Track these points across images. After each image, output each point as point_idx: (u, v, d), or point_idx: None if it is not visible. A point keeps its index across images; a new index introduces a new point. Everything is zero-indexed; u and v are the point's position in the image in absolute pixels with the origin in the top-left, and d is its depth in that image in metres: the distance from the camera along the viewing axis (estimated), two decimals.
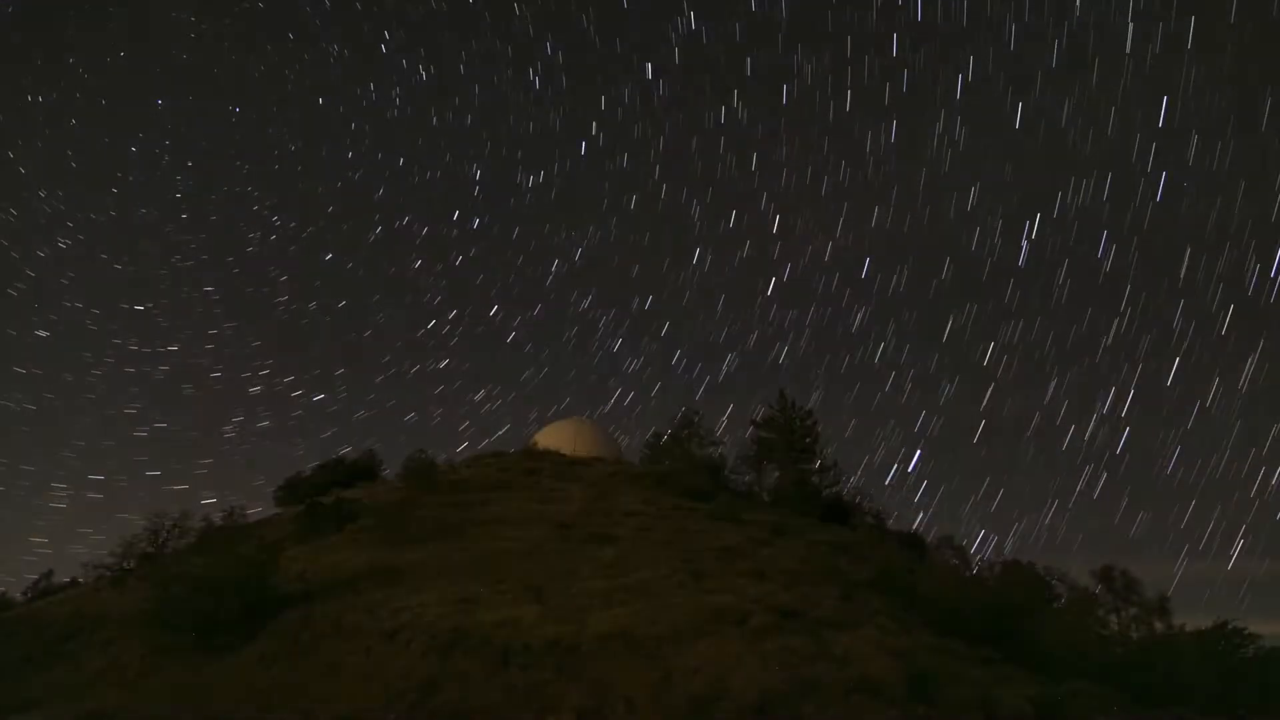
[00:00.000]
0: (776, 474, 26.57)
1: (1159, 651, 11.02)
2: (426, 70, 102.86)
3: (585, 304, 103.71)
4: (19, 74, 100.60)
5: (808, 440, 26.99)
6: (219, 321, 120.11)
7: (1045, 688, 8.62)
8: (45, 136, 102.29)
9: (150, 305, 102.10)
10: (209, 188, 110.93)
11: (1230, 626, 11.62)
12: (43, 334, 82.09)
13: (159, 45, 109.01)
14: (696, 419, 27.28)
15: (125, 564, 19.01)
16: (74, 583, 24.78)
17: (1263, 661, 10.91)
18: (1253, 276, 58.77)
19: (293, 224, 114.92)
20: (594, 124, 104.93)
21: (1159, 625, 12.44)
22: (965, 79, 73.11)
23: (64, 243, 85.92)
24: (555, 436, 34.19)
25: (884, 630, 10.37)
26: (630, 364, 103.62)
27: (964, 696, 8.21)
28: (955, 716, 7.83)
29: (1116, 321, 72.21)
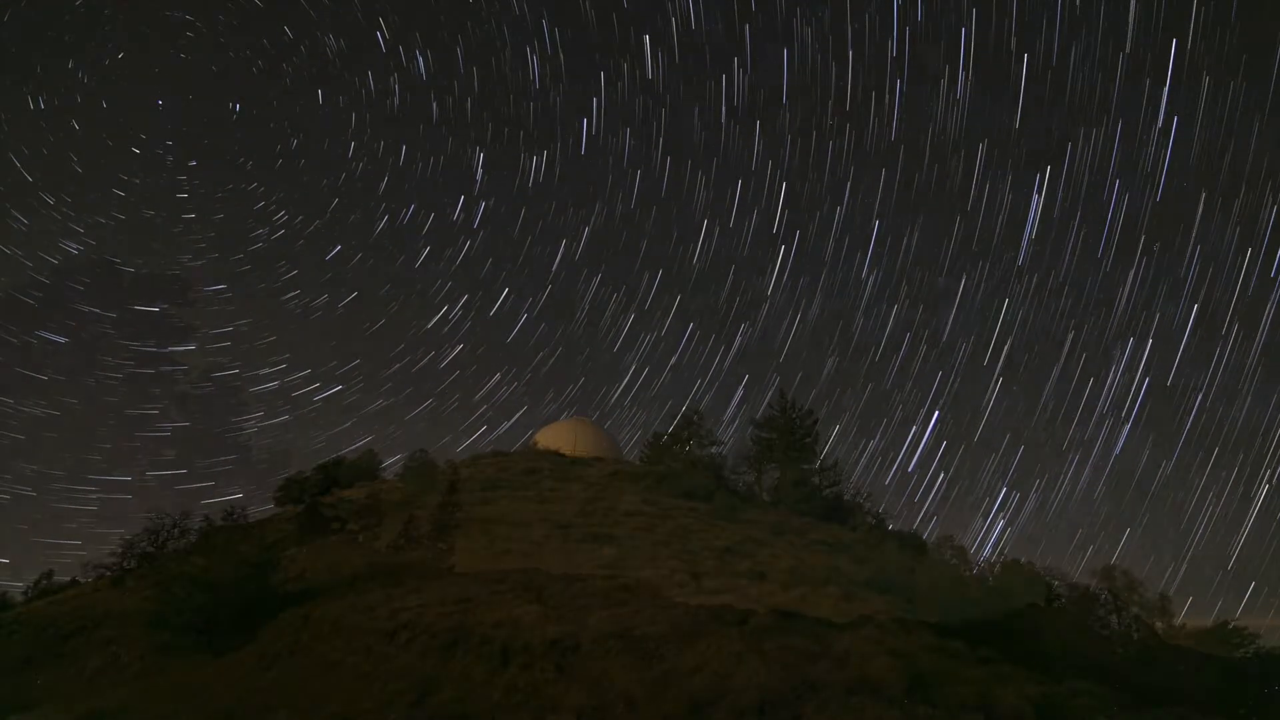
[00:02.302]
0: (777, 474, 26.56)
1: (1160, 651, 11.01)
2: (424, 58, 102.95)
3: (595, 284, 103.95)
4: (20, 79, 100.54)
5: (807, 440, 26.98)
6: (231, 319, 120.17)
7: (1045, 687, 8.61)
8: (49, 143, 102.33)
9: (165, 306, 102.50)
10: (214, 186, 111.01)
11: (1230, 626, 11.63)
12: (60, 339, 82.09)
13: (156, 45, 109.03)
14: (696, 418, 27.31)
15: (125, 564, 19.01)
16: (74, 583, 24.76)
17: (1262, 661, 10.91)
18: (1269, 219, 58.95)
19: (299, 219, 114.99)
20: (594, 101, 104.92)
21: (1160, 625, 12.44)
22: (969, 33, 73.03)
23: (75, 248, 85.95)
24: (555, 436, 34.17)
25: (884, 630, 10.36)
26: (643, 342, 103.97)
27: (963, 696, 8.20)
28: (955, 716, 7.82)
29: (1132, 273, 72.33)
